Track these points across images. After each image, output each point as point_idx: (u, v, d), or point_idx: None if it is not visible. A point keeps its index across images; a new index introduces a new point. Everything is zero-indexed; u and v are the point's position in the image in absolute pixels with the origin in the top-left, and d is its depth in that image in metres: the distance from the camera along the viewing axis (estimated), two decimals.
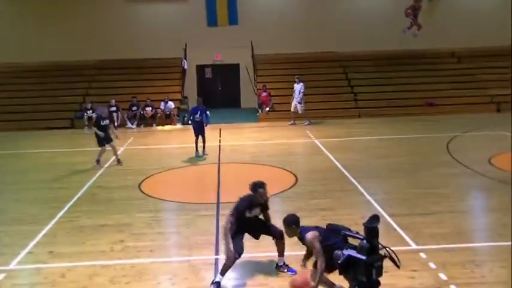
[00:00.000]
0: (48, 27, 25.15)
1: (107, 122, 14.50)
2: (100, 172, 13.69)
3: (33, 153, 16.87)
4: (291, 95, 22.34)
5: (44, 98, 23.50)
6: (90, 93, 24.13)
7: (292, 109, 21.34)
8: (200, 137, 15.22)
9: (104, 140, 14.26)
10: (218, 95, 26.73)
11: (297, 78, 21.45)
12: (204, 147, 15.30)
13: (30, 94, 23.75)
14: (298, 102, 21.11)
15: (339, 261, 4.69)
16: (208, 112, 15.91)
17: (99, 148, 14.35)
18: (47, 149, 17.40)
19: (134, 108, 22.58)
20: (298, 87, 21.18)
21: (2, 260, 7.93)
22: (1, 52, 24.59)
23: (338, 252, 4.73)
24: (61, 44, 25.00)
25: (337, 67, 25.65)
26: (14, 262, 7.87)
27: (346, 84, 24.77)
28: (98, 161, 14.30)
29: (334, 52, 25.92)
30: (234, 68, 26.67)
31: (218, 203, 10.51)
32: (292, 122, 21.26)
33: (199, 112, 15.21)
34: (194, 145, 15.27)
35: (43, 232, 9.14)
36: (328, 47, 25.73)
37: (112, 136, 14.48)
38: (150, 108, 22.63)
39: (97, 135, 14.29)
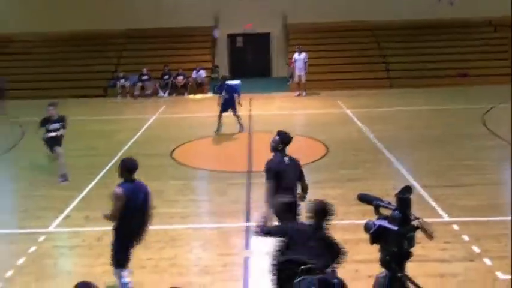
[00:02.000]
0: None
1: (55, 126, 10.38)
2: (133, 140, 13.91)
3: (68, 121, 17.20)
4: (323, 65, 22.19)
5: (77, 67, 23.75)
6: (122, 62, 24.28)
7: (296, 80, 21.15)
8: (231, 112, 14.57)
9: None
10: (249, 64, 26.59)
11: (297, 48, 21.24)
12: (238, 123, 14.58)
13: (63, 63, 24.01)
14: (303, 73, 20.92)
15: (370, 231, 4.69)
16: (228, 82, 15.17)
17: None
18: (82, 116, 17.69)
19: (166, 77, 22.70)
20: (301, 57, 20.93)
21: (42, 222, 8.25)
22: (34, 21, 24.82)
23: (369, 222, 4.73)
24: (92, 12, 25.08)
25: (369, 36, 25.12)
26: (53, 225, 8.19)
27: (378, 53, 24.31)
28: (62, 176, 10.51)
29: (366, 21, 25.33)
30: (265, 37, 26.45)
31: (249, 171, 10.59)
32: (298, 93, 21.10)
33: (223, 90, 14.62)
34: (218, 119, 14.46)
35: (79, 197, 9.42)
36: (360, 16, 25.19)
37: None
38: (182, 77, 22.72)
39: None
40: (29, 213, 8.79)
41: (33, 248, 7.31)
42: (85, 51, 24.65)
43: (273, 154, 6.43)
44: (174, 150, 12.76)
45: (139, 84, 22.45)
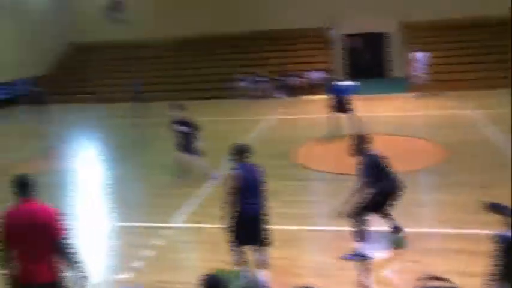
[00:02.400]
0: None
1: (183, 128, 10.91)
2: (250, 140, 14.22)
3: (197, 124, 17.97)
4: (443, 64, 21.23)
5: (199, 70, 24.86)
6: (242, 64, 24.92)
7: (415, 80, 20.46)
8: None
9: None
10: (365, 64, 26.12)
11: (417, 47, 20.54)
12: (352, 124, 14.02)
13: (186, 66, 25.29)
14: (423, 73, 20.08)
15: (501, 244, 4.40)
16: (338, 83, 15.08)
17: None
18: (203, 117, 18.40)
19: (282, 78, 23.04)
20: (421, 56, 20.06)
21: (166, 218, 8.79)
22: (164, 27, 26.37)
23: (501, 233, 4.44)
24: (216, 16, 26.16)
25: (491, 33, 23.43)
26: (175, 221, 8.67)
27: (501, 50, 22.53)
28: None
29: (487, 16, 23.66)
30: (381, 37, 25.85)
31: None
32: (417, 93, 20.21)
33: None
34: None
35: (198, 195, 9.87)
36: (480, 11, 23.61)
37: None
38: (298, 78, 22.91)
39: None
40: (154, 209, 9.40)
41: (157, 242, 7.79)
42: (208, 54, 25.68)
43: (361, 156, 6.92)
44: (290, 151, 12.89)
45: (257, 85, 22.99)
